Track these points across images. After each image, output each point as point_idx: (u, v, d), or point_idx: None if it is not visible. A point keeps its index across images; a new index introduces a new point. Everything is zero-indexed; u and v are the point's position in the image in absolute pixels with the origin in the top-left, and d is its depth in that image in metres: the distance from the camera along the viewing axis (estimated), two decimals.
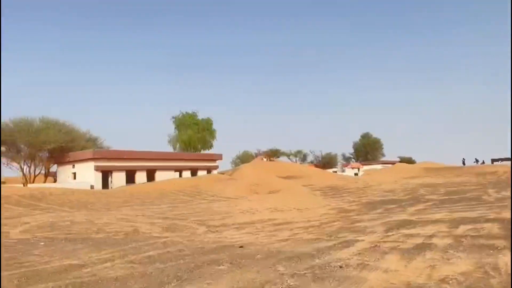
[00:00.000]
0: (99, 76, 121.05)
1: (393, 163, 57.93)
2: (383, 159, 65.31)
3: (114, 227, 11.82)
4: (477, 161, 49.82)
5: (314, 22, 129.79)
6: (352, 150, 72.15)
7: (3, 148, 32.56)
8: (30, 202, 18.83)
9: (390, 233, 8.89)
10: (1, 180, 30.92)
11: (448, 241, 7.33)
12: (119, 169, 32.88)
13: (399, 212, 14.61)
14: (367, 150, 67.81)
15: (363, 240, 8.12)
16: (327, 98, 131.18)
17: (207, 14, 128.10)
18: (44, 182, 33.58)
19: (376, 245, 7.37)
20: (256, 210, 17.56)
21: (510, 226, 8.44)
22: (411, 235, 8.33)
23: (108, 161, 32.20)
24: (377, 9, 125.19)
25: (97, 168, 31.39)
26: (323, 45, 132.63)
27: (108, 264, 6.32)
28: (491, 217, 10.30)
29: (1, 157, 32.90)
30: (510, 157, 47.45)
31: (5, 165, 33.48)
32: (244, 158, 63.02)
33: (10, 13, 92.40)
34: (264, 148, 50.78)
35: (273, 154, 47.51)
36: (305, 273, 5.28)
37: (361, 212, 15.93)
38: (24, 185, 29.19)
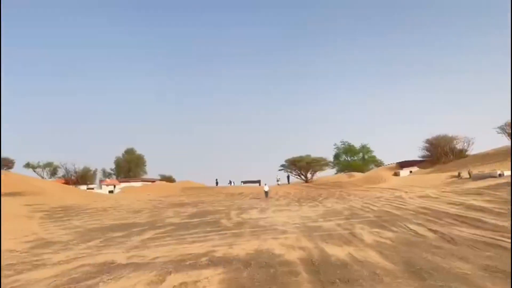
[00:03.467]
0: None
1: (153, 181, 55.03)
2: (145, 176, 61.50)
3: None
4: (230, 182, 53.67)
5: None
6: (113, 166, 64.84)
7: None
8: None
9: None
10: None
11: None
12: None
13: (118, 244, 10.61)
14: (129, 166, 62.27)
15: None
16: (90, 108, 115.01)
17: None
18: None
19: None
20: None
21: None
22: None
23: None
24: None
25: None
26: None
27: None
28: (219, 254, 7.63)
29: None
30: (258, 180, 52.87)
31: None
32: None
33: None
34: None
35: None
36: None
37: (68, 245, 11.02)
38: None
